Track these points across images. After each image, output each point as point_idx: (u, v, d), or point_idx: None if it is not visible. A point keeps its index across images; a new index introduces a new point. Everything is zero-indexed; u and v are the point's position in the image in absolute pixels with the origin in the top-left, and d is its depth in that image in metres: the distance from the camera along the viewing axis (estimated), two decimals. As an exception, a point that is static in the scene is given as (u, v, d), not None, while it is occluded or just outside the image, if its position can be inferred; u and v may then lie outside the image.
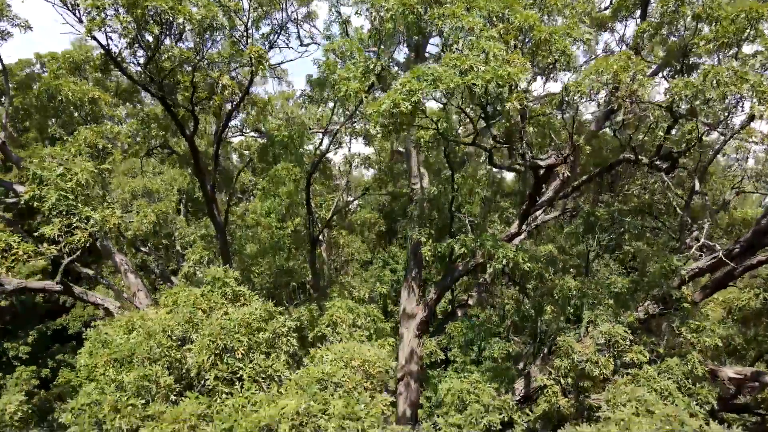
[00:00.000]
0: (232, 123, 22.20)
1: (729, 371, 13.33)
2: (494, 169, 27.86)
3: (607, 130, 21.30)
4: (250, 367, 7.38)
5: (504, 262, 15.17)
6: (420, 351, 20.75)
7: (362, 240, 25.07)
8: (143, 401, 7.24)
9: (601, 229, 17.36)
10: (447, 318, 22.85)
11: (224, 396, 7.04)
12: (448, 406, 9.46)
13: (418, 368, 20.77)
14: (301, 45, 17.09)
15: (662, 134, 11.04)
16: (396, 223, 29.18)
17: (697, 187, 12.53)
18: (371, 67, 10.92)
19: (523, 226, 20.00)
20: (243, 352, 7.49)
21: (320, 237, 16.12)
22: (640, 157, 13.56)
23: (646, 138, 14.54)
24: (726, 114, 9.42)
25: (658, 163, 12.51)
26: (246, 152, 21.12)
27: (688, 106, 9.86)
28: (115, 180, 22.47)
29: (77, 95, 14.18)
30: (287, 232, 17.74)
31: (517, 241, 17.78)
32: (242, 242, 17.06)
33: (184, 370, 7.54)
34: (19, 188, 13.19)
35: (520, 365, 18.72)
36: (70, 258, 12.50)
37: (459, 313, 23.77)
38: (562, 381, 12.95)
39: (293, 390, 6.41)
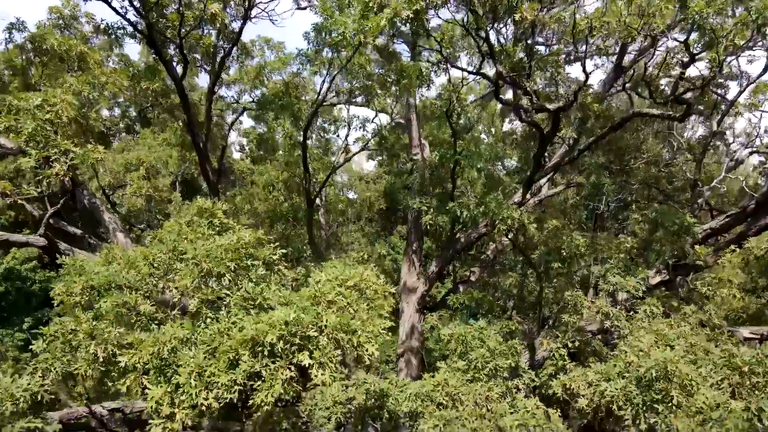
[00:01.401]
0: (229, 94, 21.65)
1: (744, 332, 12.77)
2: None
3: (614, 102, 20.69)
4: (238, 295, 6.79)
5: (509, 223, 14.57)
6: (421, 326, 20.13)
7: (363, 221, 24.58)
8: (121, 330, 6.68)
9: (609, 193, 16.79)
10: (449, 294, 22.27)
11: (209, 321, 6.45)
12: (451, 352, 8.87)
13: (419, 344, 20.15)
14: (298, 8, 16.51)
15: (679, 70, 10.42)
16: (397, 209, 28.60)
17: (714, 127, 11.91)
18: (371, 4, 10.31)
19: (528, 196, 19.38)
20: (230, 278, 6.91)
21: (318, 201, 15.55)
22: (651, 110, 13.00)
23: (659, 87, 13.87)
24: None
25: (671, 112, 11.92)
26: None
27: (707, 39, 9.25)
28: (109, 157, 21.90)
29: (63, 47, 13.58)
30: (285, 205, 17.21)
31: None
32: (241, 205, 16.49)
33: (166, 298, 6.96)
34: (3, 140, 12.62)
35: (524, 343, 18.15)
36: (53, 208, 11.96)
37: (461, 289, 23.12)
38: (570, 344, 12.41)
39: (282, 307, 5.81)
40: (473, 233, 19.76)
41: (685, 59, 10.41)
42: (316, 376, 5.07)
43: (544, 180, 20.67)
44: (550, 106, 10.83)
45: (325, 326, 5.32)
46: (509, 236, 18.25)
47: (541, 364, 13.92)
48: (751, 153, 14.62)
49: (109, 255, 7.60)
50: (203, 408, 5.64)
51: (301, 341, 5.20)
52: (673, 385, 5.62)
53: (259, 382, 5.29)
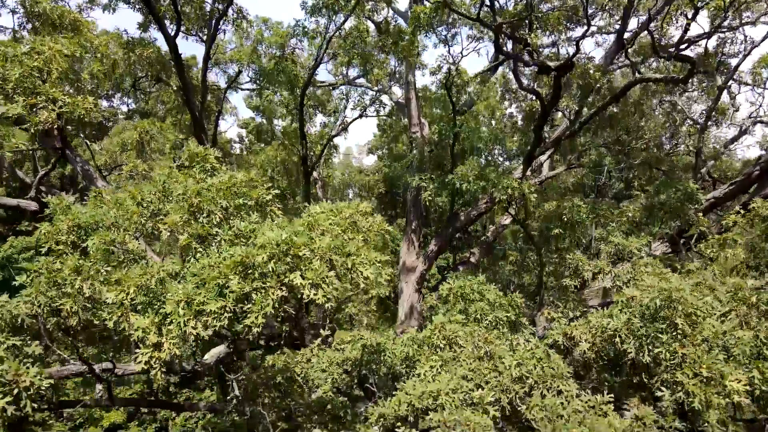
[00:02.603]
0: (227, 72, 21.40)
1: (749, 281, 12.51)
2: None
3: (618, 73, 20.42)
4: (230, 233, 6.57)
5: (508, 192, 14.36)
6: (420, 306, 19.93)
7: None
8: (108, 268, 6.48)
9: (610, 167, 16.57)
10: (448, 271, 22.05)
11: (198, 255, 6.24)
12: (451, 305, 8.67)
13: (418, 324, 19.95)
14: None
15: (686, 21, 10.17)
16: (397, 193, 28.34)
17: (719, 81, 11.67)
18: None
19: (528, 173, 19.17)
20: (221, 216, 6.69)
21: (315, 174, 15.33)
22: (654, 75, 12.77)
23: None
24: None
25: (674, 75, 11.67)
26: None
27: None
28: (106, 141, 21.68)
29: (56, 12, 13.33)
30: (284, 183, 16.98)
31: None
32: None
33: (155, 237, 6.75)
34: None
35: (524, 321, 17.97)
36: (45, 170, 11.75)
37: (461, 269, 22.89)
38: (571, 313, 12.22)
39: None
40: (473, 211, 19.54)
41: (690, 12, 10.20)
42: (308, 296, 4.86)
43: (544, 157, 20.46)
44: (551, 64, 10.60)
45: (318, 248, 5.11)
46: (509, 209, 18.05)
47: (542, 338, 13.74)
48: (755, 123, 14.39)
49: (98, 198, 7.40)
50: (192, 337, 5.44)
51: (292, 261, 4.99)
52: (677, 314, 5.42)
53: (249, 305, 5.09)
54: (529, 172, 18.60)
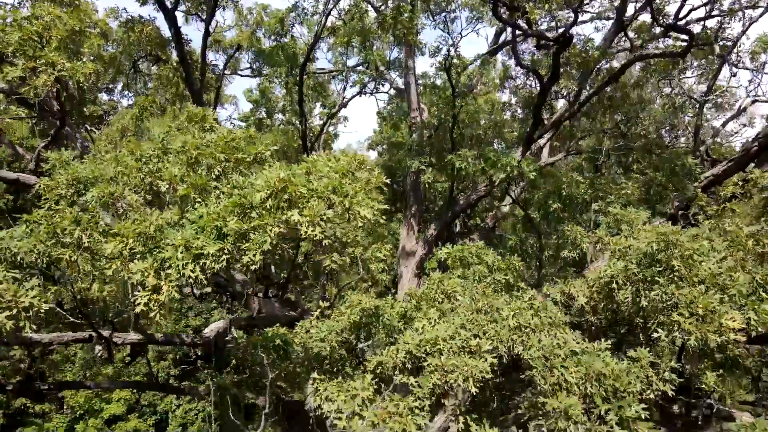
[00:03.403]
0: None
1: (745, 228, 12.51)
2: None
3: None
4: (229, 186, 6.59)
5: (507, 170, 14.38)
6: (420, 291, 19.93)
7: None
8: (107, 220, 6.50)
9: (608, 150, 16.60)
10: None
11: (197, 205, 6.26)
12: (449, 270, 8.69)
13: (418, 308, 19.90)
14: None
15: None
16: (397, 182, 28.30)
17: (717, 50, 11.68)
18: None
19: (528, 155, 19.15)
20: (220, 169, 6.72)
21: (314, 149, 15.34)
22: (653, 50, 12.79)
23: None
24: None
25: (672, 50, 11.69)
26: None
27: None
28: (106, 129, 21.71)
29: (56, -11, 13.34)
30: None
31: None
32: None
33: (154, 194, 6.77)
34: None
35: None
36: (44, 142, 11.77)
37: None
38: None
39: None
40: (472, 194, 19.56)
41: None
42: (306, 232, 4.88)
43: (544, 140, 20.48)
44: (550, 35, 10.62)
45: (317, 188, 5.14)
46: (509, 190, 18.04)
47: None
48: (753, 101, 14.42)
49: (98, 155, 7.42)
50: (191, 281, 5.47)
51: (291, 197, 5.02)
52: (674, 255, 5.45)
53: (247, 244, 5.11)
54: (528, 156, 18.60)
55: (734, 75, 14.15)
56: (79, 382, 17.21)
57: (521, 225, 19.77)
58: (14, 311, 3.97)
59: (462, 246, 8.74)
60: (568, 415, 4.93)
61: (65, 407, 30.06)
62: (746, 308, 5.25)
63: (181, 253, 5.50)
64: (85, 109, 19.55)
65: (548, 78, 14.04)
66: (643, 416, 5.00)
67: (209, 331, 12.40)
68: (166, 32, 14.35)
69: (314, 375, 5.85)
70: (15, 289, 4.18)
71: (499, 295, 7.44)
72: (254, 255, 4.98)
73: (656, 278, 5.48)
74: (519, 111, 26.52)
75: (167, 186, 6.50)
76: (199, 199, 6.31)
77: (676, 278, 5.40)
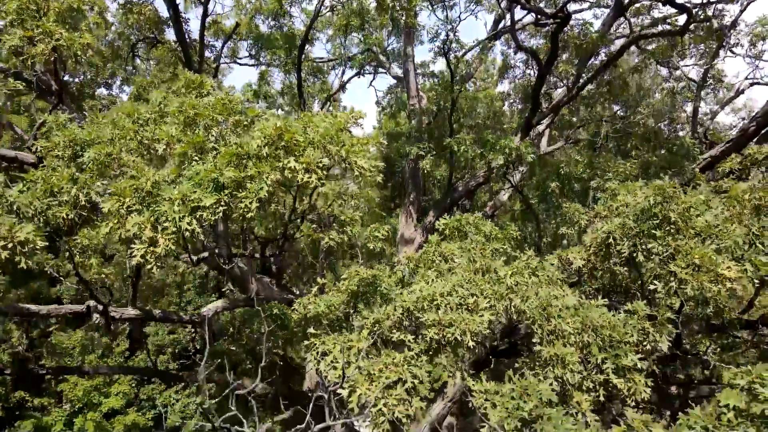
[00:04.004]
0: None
1: (741, 184, 12.50)
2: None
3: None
4: (225, 148, 6.59)
5: (506, 152, 14.37)
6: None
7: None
8: (105, 181, 6.50)
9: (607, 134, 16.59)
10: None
11: (195, 162, 6.25)
12: (447, 240, 8.67)
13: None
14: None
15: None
16: (396, 172, 28.27)
17: (716, 25, 11.68)
18: None
19: (526, 140, 19.13)
20: (218, 131, 6.71)
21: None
22: (651, 30, 12.78)
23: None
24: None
25: (670, 28, 11.70)
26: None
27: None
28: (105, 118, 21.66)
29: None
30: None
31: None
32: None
33: (151, 152, 6.77)
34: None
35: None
36: (41, 120, 11.75)
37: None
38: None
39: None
40: (471, 181, 19.53)
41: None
42: (302, 179, 4.88)
43: (543, 127, 20.48)
44: (548, 11, 10.63)
45: (313, 137, 5.13)
46: (507, 175, 18.03)
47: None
48: (752, 84, 14.44)
49: (95, 119, 7.42)
50: (187, 233, 5.46)
51: (286, 146, 5.01)
52: (671, 209, 5.44)
53: (244, 193, 5.10)
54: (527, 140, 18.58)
55: (727, 57, 14.14)
56: (78, 367, 17.19)
57: (519, 213, 19.79)
58: (10, 245, 3.96)
59: (460, 216, 8.74)
60: (565, 362, 4.92)
61: (64, 401, 30.06)
62: (743, 260, 5.25)
63: (178, 206, 5.50)
64: (84, 104, 19.55)
65: (546, 60, 14.04)
66: (639, 366, 5.01)
67: (207, 309, 12.41)
68: (165, 14, 14.39)
69: (310, 330, 5.84)
70: (11, 224, 4.17)
71: (497, 259, 7.43)
72: (250, 203, 4.97)
73: (653, 231, 5.48)
74: (518, 102, 26.55)
75: (164, 146, 6.49)
76: (197, 157, 6.30)
77: (672, 230, 5.40)
